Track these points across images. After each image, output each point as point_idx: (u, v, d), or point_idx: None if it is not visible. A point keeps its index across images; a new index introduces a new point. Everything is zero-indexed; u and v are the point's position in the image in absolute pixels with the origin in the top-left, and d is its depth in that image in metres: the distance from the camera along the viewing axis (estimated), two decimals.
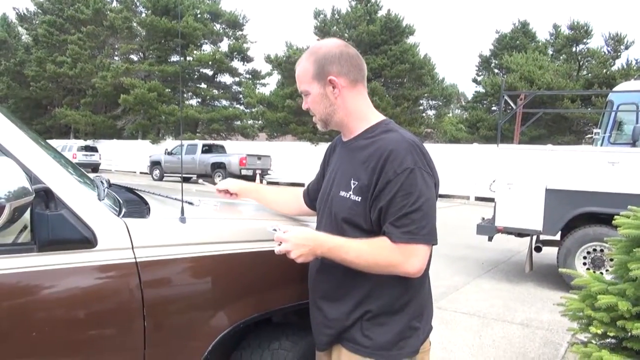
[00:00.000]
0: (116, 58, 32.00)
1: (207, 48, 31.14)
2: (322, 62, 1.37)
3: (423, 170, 1.28)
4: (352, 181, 1.35)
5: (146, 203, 1.69)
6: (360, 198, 1.33)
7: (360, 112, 1.42)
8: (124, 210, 1.49)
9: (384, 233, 1.29)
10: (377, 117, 1.44)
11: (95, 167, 24.83)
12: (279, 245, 1.32)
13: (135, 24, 29.67)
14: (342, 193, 1.37)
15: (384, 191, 1.27)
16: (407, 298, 1.37)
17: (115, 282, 1.34)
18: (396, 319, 1.36)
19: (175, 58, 30.35)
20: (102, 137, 30.22)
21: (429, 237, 1.28)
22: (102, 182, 1.69)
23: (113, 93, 29.00)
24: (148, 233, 1.41)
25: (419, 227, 1.26)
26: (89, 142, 28.20)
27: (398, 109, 23.39)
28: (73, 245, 1.26)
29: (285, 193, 1.85)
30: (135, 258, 1.35)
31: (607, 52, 23.56)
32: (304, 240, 1.31)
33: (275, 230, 1.35)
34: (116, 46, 31.24)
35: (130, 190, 1.98)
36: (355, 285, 1.37)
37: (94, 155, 25.87)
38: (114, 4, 31.47)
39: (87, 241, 1.28)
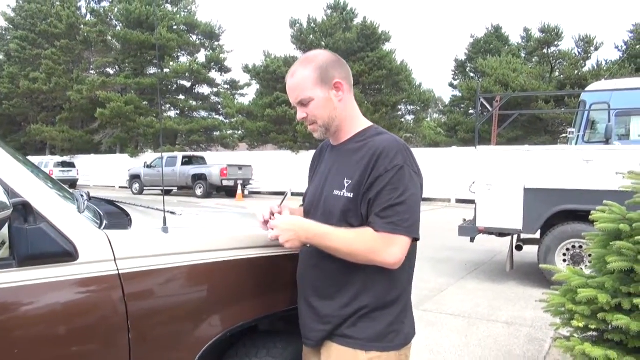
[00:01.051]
0: (92, 72, 31.62)
1: (184, 59, 31.00)
2: (325, 67, 1.43)
3: (411, 168, 1.37)
4: (346, 180, 1.41)
5: (127, 214, 1.68)
6: (353, 194, 1.38)
7: (354, 116, 1.50)
8: (105, 222, 1.48)
9: (369, 224, 1.35)
10: (366, 122, 1.52)
11: (72, 183, 24.39)
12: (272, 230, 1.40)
13: (109, 37, 29.37)
14: (336, 192, 1.42)
15: (374, 185, 1.34)
16: (398, 292, 1.43)
17: (98, 296, 1.32)
18: (387, 313, 1.41)
19: (151, 70, 30.12)
20: (79, 152, 29.74)
21: (411, 230, 1.34)
22: (81, 195, 1.67)
23: (89, 107, 28.61)
24: (130, 244, 1.39)
25: (402, 220, 1.32)
26: (66, 158, 27.71)
27: (377, 115, 23.56)
28: (54, 259, 1.24)
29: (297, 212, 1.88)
30: (118, 270, 1.34)
31: (577, 54, 24.16)
32: (290, 225, 1.38)
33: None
34: (91, 60, 30.87)
35: (111, 202, 1.96)
36: (348, 281, 1.41)
37: (71, 170, 25.44)
38: (88, 17, 31.15)
39: (68, 254, 1.26)
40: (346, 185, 1.40)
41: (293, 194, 20.39)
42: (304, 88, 1.42)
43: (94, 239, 1.32)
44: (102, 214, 1.59)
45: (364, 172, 1.37)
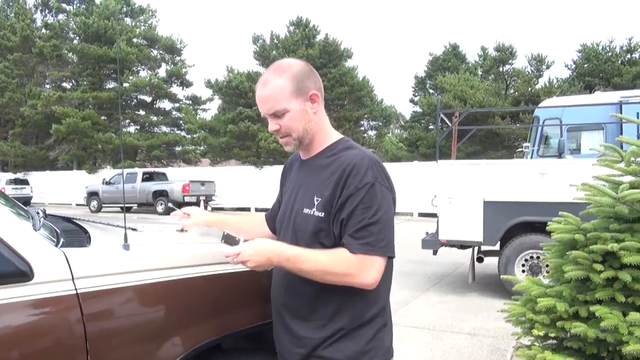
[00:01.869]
0: (47, 86, 30.63)
1: (144, 74, 30.48)
2: (300, 77, 1.36)
3: (382, 185, 1.33)
4: (316, 198, 1.36)
5: (86, 232, 1.62)
6: (324, 213, 1.34)
7: (326, 128, 1.46)
8: (62, 240, 1.42)
9: (343, 245, 1.31)
10: (337, 134, 1.48)
11: (26, 201, 23.40)
12: (237, 255, 1.31)
13: (66, 51, 28.57)
14: (306, 210, 1.38)
15: (346, 204, 1.30)
16: (376, 310, 1.40)
17: (55, 317, 1.26)
18: (365, 330, 1.37)
19: (110, 85, 29.44)
20: (34, 168, 28.58)
21: (386, 249, 1.31)
22: (37, 212, 1.60)
23: (44, 122, 27.63)
24: (89, 262, 1.34)
25: (377, 240, 1.29)
26: (19, 175, 26.62)
27: (340, 130, 23.43)
28: (7, 279, 1.18)
29: (249, 221, 1.81)
30: (76, 289, 1.28)
31: (530, 72, 25.22)
32: (260, 249, 1.30)
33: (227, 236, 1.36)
34: (47, 74, 29.90)
35: (69, 219, 1.89)
36: (326, 302, 1.36)
37: (24, 188, 24.43)
38: (43, 30, 30.23)
39: (23, 274, 1.20)
40: (316, 203, 1.35)
41: (257, 209, 20.21)
42: (279, 99, 1.34)
43: (51, 258, 1.26)
44: (59, 231, 1.53)
45: (334, 191, 1.33)
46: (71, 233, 1.55)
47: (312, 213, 1.36)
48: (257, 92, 1.39)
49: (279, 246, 1.33)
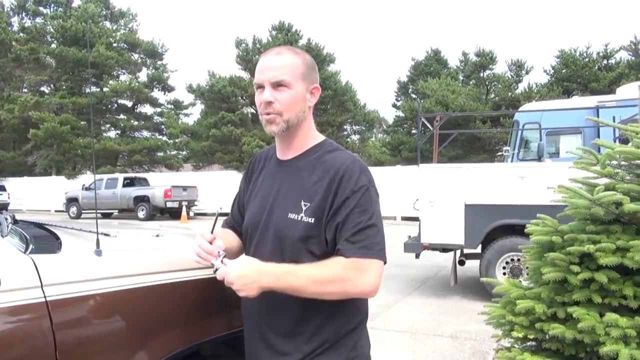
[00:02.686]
0: (25, 90, 30.08)
1: (125, 78, 30.15)
2: (310, 66, 1.34)
3: (374, 189, 1.31)
4: (303, 202, 1.29)
5: (57, 238, 1.58)
6: (314, 219, 1.27)
7: (313, 130, 1.40)
8: (31, 246, 1.38)
9: (338, 251, 1.25)
10: (320, 136, 1.42)
11: (3, 207, 22.91)
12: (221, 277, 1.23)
13: (43, 55, 28.11)
14: (292, 215, 1.29)
15: (341, 209, 1.25)
16: (360, 318, 1.37)
17: (23, 326, 1.22)
18: (346, 341, 1.33)
19: (89, 89, 29.03)
20: (11, 174, 28.00)
21: (382, 254, 1.27)
22: (5, 218, 1.56)
23: (22, 127, 27.12)
24: (59, 269, 1.30)
25: (373, 243, 1.24)
26: None
27: (323, 135, 23.82)
28: None
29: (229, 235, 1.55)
30: (45, 297, 1.24)
31: (510, 77, 25.59)
32: (248, 271, 1.20)
33: (219, 255, 1.26)
34: (24, 78, 29.38)
35: (40, 225, 1.84)
36: (312, 315, 1.30)
37: (1, 194, 23.93)
38: (20, 34, 29.72)
39: None
40: (304, 208, 1.28)
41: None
42: (288, 72, 1.28)
43: (18, 265, 1.22)
44: (28, 237, 1.48)
45: (326, 195, 1.26)
46: (41, 239, 1.51)
47: (299, 218, 1.28)
48: (266, 58, 1.31)
49: (266, 266, 1.23)
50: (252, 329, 1.41)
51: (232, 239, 1.50)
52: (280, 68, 1.28)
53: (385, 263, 1.28)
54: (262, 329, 1.37)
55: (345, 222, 1.24)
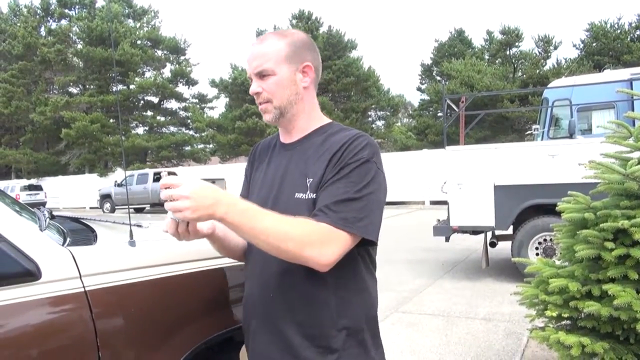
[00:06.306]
0: (54, 92, 30.92)
1: (149, 74, 30.64)
2: (298, 45, 1.27)
3: (377, 166, 1.20)
4: (308, 180, 1.22)
5: (93, 230, 1.63)
6: (315, 194, 1.19)
7: (315, 111, 1.34)
8: (68, 239, 1.43)
9: (313, 215, 1.14)
10: (326, 118, 1.36)
11: (41, 205, 23.70)
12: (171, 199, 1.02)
13: (70, 56, 28.80)
14: (299, 195, 1.22)
15: (334, 177, 1.17)
16: (374, 312, 1.30)
17: (65, 315, 1.28)
18: (370, 330, 1.26)
19: (116, 87, 29.65)
20: (46, 174, 28.95)
21: (365, 230, 1.14)
22: (43, 213, 1.62)
23: (54, 128, 27.95)
24: (96, 260, 1.35)
25: (356, 217, 1.12)
26: (33, 181, 26.94)
27: (347, 122, 23.74)
28: (15, 279, 1.20)
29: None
30: (84, 287, 1.29)
31: (538, 54, 24.92)
32: (208, 191, 1.03)
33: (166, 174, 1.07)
34: (53, 79, 30.17)
35: (75, 219, 1.90)
36: (327, 300, 1.20)
37: (38, 194, 24.75)
38: (47, 38, 30.48)
39: (30, 274, 1.21)
40: (309, 185, 1.21)
41: None
42: (269, 59, 1.24)
43: (57, 257, 1.28)
44: (65, 231, 1.54)
45: (326, 165, 1.19)
46: (77, 232, 1.57)
47: (306, 197, 1.20)
48: (250, 48, 1.28)
49: (231, 195, 1.08)
50: (263, 322, 1.27)
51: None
52: (261, 56, 1.25)
53: (375, 242, 1.18)
54: (274, 319, 1.23)
55: (332, 187, 1.15)
